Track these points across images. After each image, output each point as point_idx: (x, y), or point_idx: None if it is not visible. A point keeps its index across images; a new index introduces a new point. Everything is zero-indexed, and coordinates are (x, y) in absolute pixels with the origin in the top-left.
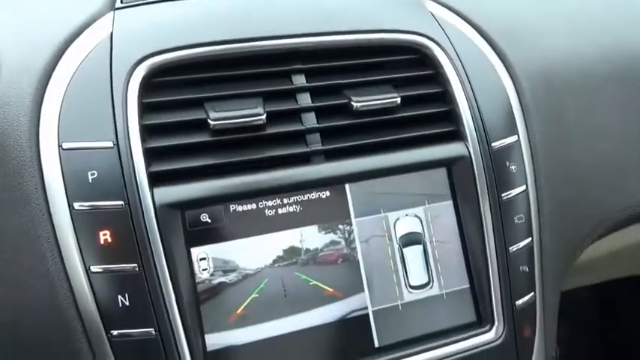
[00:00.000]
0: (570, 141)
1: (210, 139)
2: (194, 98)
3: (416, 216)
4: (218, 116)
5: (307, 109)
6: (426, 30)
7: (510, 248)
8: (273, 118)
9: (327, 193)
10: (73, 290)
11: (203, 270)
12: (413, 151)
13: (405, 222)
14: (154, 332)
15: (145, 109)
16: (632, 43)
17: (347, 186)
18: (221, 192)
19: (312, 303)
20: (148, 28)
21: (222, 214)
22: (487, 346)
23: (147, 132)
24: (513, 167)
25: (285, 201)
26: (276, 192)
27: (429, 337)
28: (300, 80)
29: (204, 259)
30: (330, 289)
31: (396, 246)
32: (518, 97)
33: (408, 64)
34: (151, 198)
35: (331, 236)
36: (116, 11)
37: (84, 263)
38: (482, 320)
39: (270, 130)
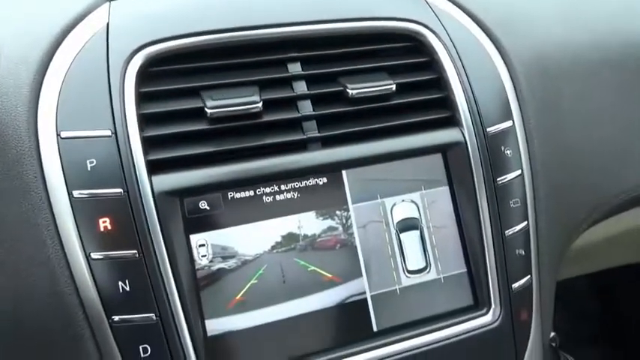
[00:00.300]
0: (565, 127)
1: (207, 127)
2: (191, 87)
3: (412, 201)
4: (215, 104)
5: (303, 97)
6: (421, 17)
7: (506, 232)
8: (269, 105)
9: (324, 179)
10: (74, 277)
11: (202, 256)
12: (409, 138)
13: (402, 208)
14: (154, 317)
15: (142, 98)
16: (626, 31)
17: (344, 172)
18: (219, 179)
19: (310, 288)
20: (143, 17)
21: (220, 201)
22: (484, 329)
23: (144, 121)
24: (508, 152)
25: (283, 188)
26: (274, 179)
27: (426, 320)
28: (295, 68)
29: (203, 245)
30: (329, 275)
31: (393, 231)
32: (513, 84)
33: (404, 51)
34: (149, 185)
35: (329, 222)
36: (112, 2)
37: (84, 250)
38: (480, 304)
39: (267, 118)
